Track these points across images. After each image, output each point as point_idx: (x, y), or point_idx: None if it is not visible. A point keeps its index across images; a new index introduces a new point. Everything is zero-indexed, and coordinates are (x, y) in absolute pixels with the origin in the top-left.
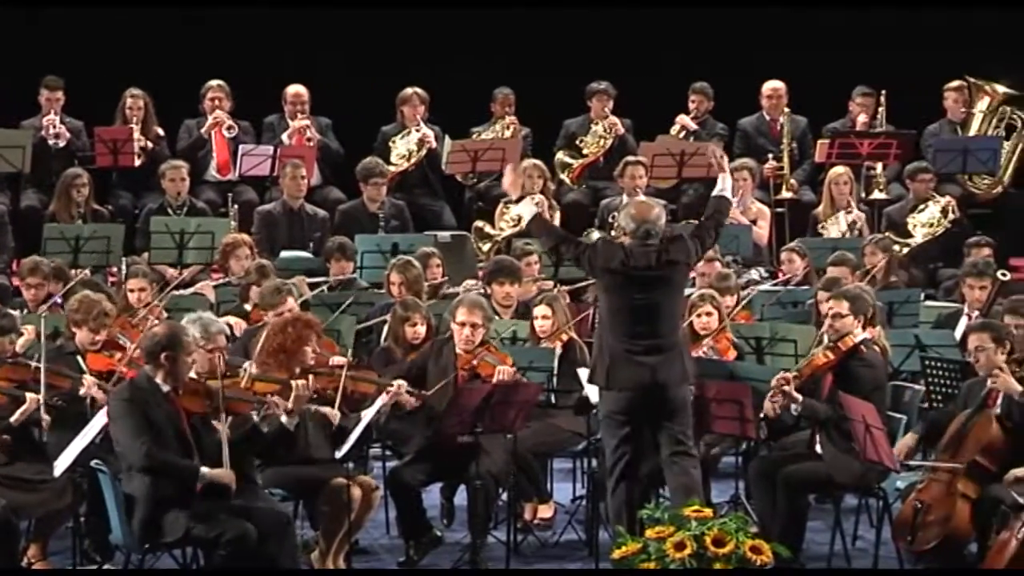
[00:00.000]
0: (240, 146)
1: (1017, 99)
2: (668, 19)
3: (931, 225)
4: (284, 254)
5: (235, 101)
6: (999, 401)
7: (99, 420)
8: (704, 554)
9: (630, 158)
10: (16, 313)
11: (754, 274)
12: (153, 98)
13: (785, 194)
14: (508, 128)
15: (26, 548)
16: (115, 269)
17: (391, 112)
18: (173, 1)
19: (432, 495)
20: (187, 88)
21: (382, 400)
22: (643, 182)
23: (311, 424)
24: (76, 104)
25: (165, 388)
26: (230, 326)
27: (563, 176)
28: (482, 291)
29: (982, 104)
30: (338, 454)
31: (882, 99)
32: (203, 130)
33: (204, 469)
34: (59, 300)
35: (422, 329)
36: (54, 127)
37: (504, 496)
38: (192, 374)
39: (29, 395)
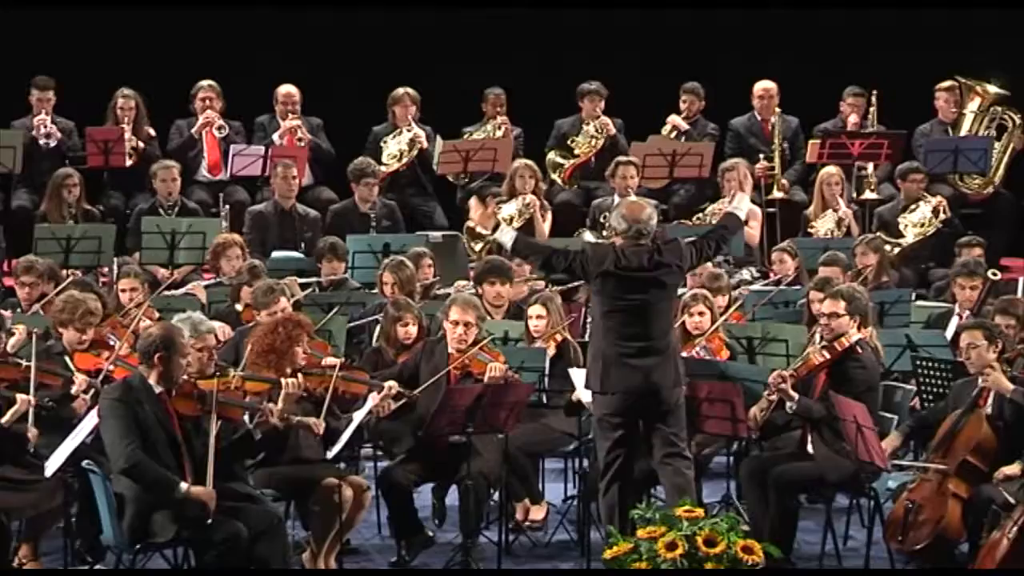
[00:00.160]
0: (231, 146)
1: (1008, 99)
2: (659, 19)
3: (922, 225)
4: (275, 254)
5: (226, 101)
6: (990, 400)
7: (90, 421)
8: (695, 554)
9: (621, 158)
10: (8, 313)
11: (745, 274)
12: (144, 98)
13: (776, 194)
14: (499, 128)
15: (17, 548)
16: (106, 269)
17: (382, 112)
18: (164, 1)
19: (424, 495)
20: (178, 88)
21: (373, 400)
22: (634, 182)
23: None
24: (67, 104)
25: (158, 389)
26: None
27: (554, 176)
28: (474, 292)
29: (973, 104)
30: (329, 454)
31: (873, 99)
32: (194, 130)
33: (183, 485)
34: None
35: (413, 329)
36: (45, 127)
37: (496, 496)
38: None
39: (20, 396)
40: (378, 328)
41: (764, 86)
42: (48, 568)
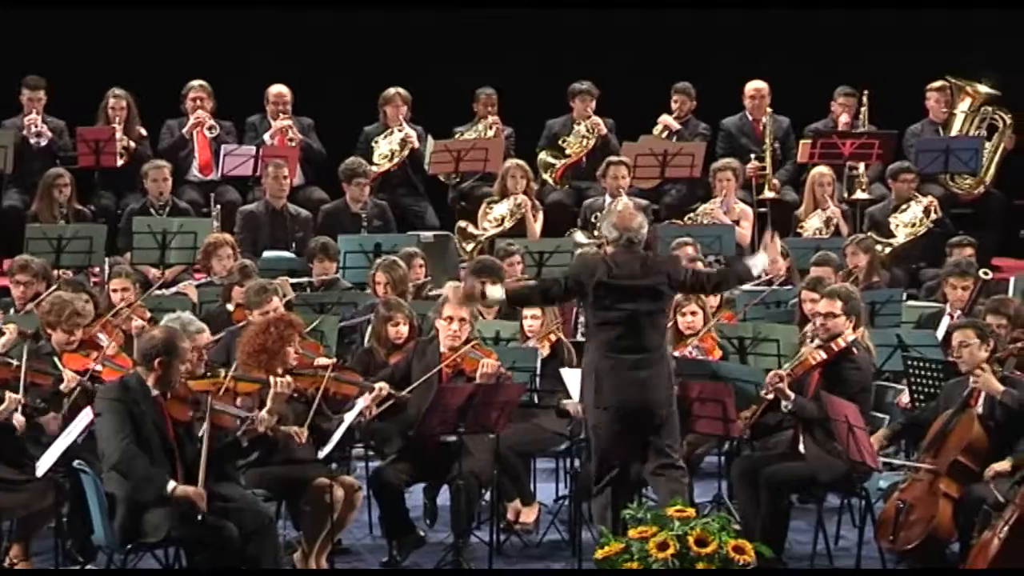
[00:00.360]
0: (222, 146)
1: (998, 99)
2: (651, 19)
3: (913, 225)
4: (267, 254)
5: (217, 101)
6: (981, 400)
7: (82, 420)
8: (687, 554)
9: (613, 158)
10: None
11: None
12: (135, 98)
13: (768, 194)
14: (491, 128)
15: (8, 548)
16: (97, 269)
17: (373, 112)
18: (155, 1)
19: (415, 495)
20: (169, 88)
21: (364, 401)
22: (626, 182)
23: (293, 423)
24: (58, 104)
25: (154, 392)
26: None
27: (546, 176)
28: None
29: (964, 104)
30: (320, 454)
31: (864, 99)
32: (185, 130)
33: (172, 484)
34: None
35: (404, 329)
36: (36, 127)
37: (487, 496)
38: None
39: (9, 394)
40: (369, 328)
41: (755, 86)
42: (39, 568)
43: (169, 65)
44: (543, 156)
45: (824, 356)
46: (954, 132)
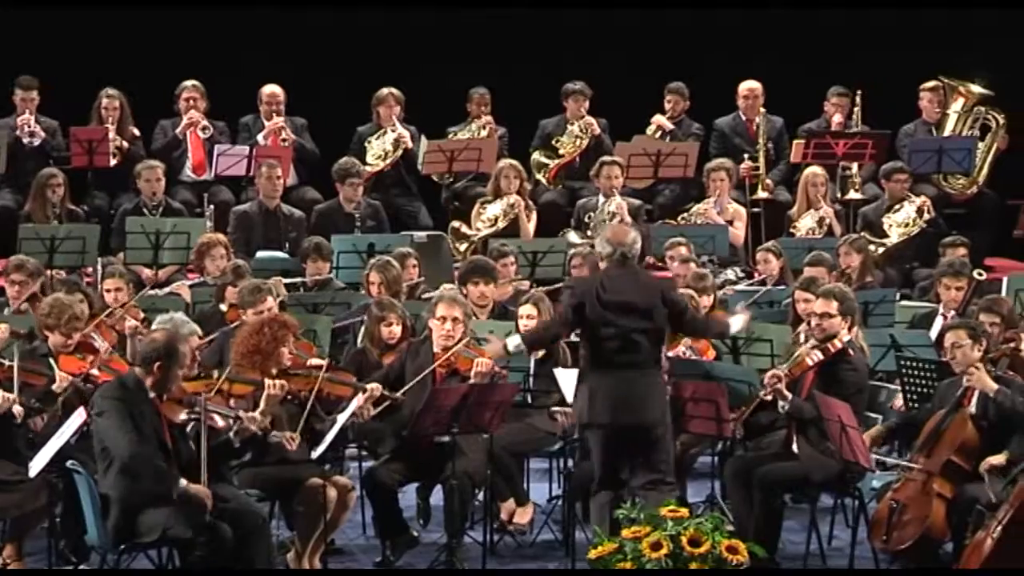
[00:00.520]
0: (216, 146)
1: (991, 99)
2: (644, 19)
3: (906, 225)
4: (260, 254)
5: (210, 101)
6: (974, 400)
7: (75, 421)
8: (680, 554)
9: (606, 158)
10: None
11: (730, 274)
12: (128, 98)
13: (761, 194)
14: (484, 128)
15: (1, 549)
16: (90, 269)
17: (367, 112)
18: (148, 1)
19: (408, 495)
20: (162, 88)
21: (358, 402)
22: (619, 182)
23: (287, 424)
24: (51, 104)
25: (151, 394)
26: None
27: (539, 176)
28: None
29: (957, 104)
30: (314, 454)
31: (857, 99)
32: (178, 130)
33: (183, 482)
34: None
35: (397, 329)
36: (29, 126)
37: (480, 496)
38: None
39: (2, 393)
40: (363, 329)
41: (749, 86)
42: (32, 568)
43: (162, 65)
44: (536, 156)
45: (820, 357)
46: (947, 132)
